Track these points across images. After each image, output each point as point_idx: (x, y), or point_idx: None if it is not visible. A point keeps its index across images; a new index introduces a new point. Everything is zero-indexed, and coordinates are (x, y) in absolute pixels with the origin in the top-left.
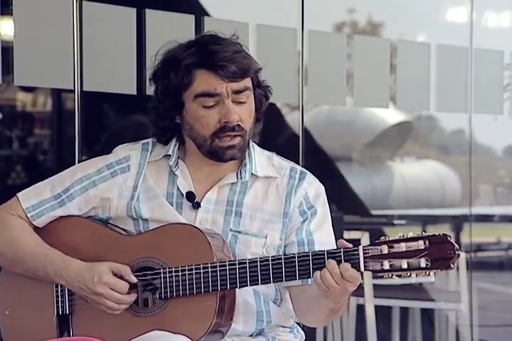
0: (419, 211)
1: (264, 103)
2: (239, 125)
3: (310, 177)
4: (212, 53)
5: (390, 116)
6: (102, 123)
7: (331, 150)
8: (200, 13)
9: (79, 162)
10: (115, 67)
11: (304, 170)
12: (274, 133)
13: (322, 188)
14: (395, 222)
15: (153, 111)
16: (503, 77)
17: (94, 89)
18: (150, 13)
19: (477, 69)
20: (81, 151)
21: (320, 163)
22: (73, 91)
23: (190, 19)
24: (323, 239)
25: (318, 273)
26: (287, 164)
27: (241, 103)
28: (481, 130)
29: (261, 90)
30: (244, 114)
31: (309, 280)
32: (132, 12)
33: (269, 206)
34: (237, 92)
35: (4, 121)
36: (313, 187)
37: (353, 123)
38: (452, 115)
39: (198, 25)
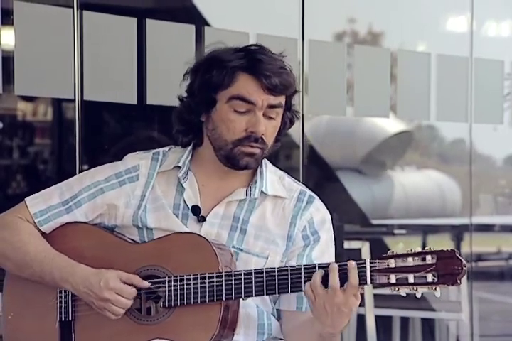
0: (419, 220)
1: (288, 126)
2: (262, 138)
3: (317, 203)
4: (260, 62)
5: (391, 125)
6: (103, 132)
7: (331, 159)
8: (200, 23)
9: (79, 171)
10: (116, 76)
11: (312, 194)
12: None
13: (328, 215)
14: (396, 231)
15: (182, 103)
16: (503, 86)
17: (95, 98)
18: (150, 23)
19: (477, 78)
20: (81, 161)
21: (320, 172)
22: (74, 100)
23: (190, 29)
24: None
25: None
26: (297, 186)
27: (270, 118)
28: (481, 139)
29: (289, 114)
30: (269, 129)
31: (304, 307)
32: (133, 22)
33: (274, 227)
34: (271, 107)
35: (5, 130)
36: (319, 213)
37: (354, 133)
38: (452, 125)
39: (199, 35)
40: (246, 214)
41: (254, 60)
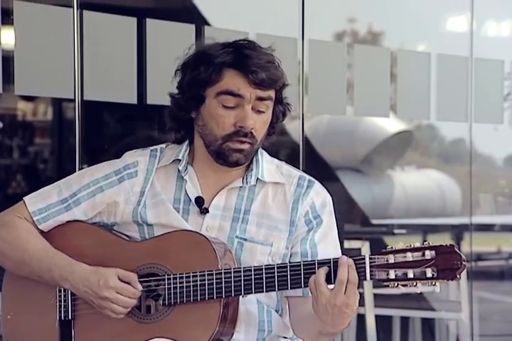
0: (419, 220)
1: (281, 119)
2: (251, 132)
3: (318, 187)
4: (247, 57)
5: (391, 125)
6: (103, 132)
7: (331, 159)
8: (200, 23)
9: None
10: (116, 76)
11: (312, 179)
12: (275, 142)
13: (329, 198)
14: (396, 231)
15: (173, 100)
16: (503, 86)
17: (95, 98)
18: (150, 23)
19: (477, 78)
20: (81, 160)
21: (320, 172)
22: (74, 100)
23: (190, 28)
24: (327, 250)
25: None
26: (296, 172)
27: (259, 112)
28: (481, 139)
29: (281, 106)
30: (259, 123)
31: (309, 291)
32: (133, 21)
33: (276, 213)
34: (260, 99)
35: (5, 130)
36: (320, 197)
37: (354, 133)
38: (453, 124)
39: (199, 35)
40: (247, 203)
41: (241, 56)
